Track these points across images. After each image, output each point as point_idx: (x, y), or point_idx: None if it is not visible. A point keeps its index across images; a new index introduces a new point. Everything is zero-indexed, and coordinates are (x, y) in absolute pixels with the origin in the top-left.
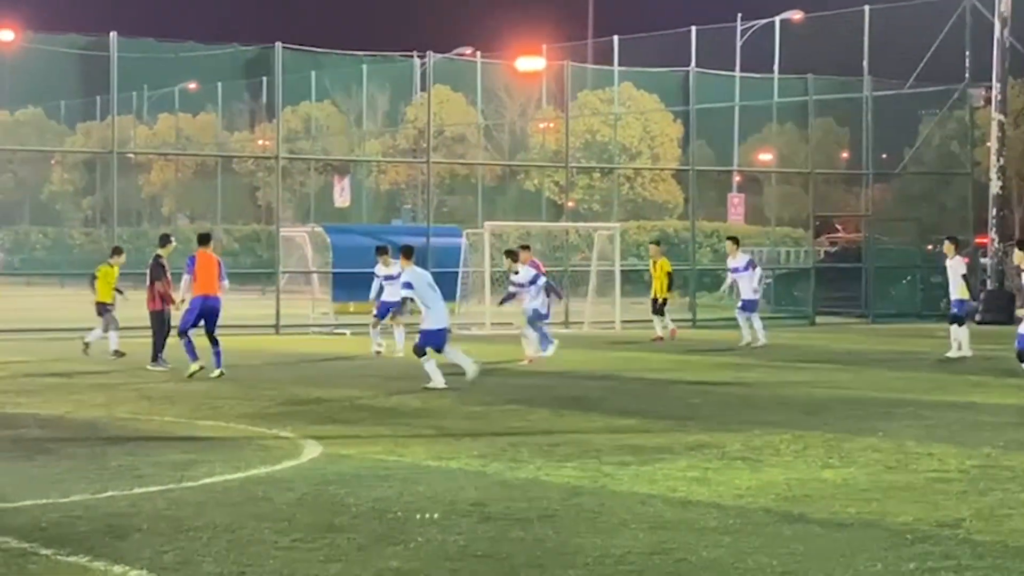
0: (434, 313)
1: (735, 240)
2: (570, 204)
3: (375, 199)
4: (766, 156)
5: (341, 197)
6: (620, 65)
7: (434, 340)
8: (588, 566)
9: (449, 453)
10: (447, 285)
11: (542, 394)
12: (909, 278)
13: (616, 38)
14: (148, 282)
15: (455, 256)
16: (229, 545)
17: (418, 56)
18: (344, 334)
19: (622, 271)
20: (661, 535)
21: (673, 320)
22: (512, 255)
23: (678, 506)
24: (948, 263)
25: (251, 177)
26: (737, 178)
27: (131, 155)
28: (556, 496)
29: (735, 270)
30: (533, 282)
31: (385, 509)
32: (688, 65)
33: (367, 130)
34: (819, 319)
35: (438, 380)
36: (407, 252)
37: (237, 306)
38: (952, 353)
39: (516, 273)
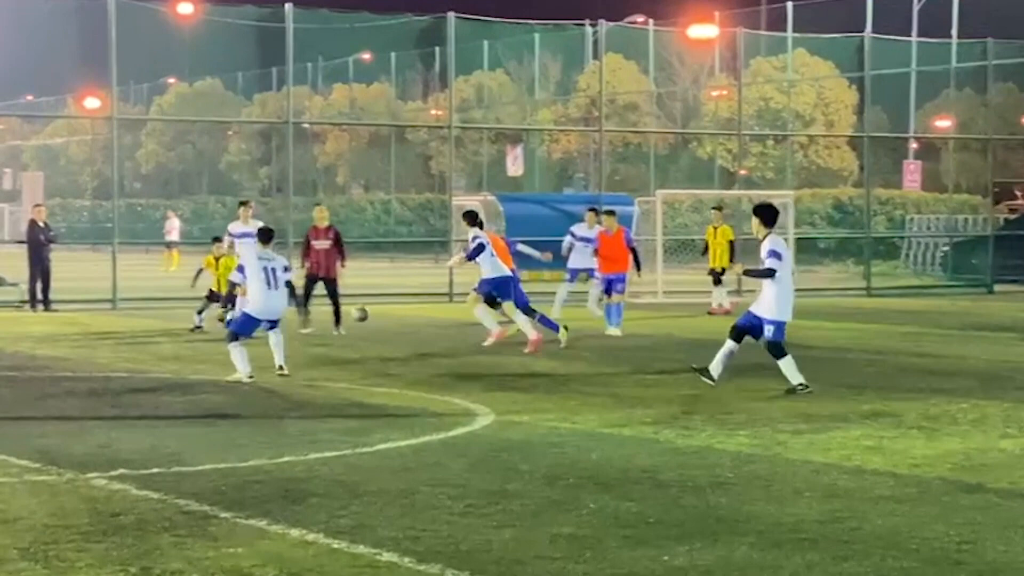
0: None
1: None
2: (743, 172)
3: (547, 168)
4: (943, 122)
5: (514, 166)
6: (794, 31)
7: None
8: (761, 534)
9: (621, 420)
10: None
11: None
12: None
13: (790, 4)
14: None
15: (627, 224)
16: (403, 510)
17: (590, 24)
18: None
19: (796, 239)
20: (835, 503)
21: (848, 288)
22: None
23: (852, 474)
24: None
25: (424, 147)
26: (913, 145)
27: (306, 125)
28: (729, 463)
29: None
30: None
31: (558, 476)
32: (863, 30)
33: (539, 99)
34: (997, 287)
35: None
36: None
37: (410, 275)
38: None
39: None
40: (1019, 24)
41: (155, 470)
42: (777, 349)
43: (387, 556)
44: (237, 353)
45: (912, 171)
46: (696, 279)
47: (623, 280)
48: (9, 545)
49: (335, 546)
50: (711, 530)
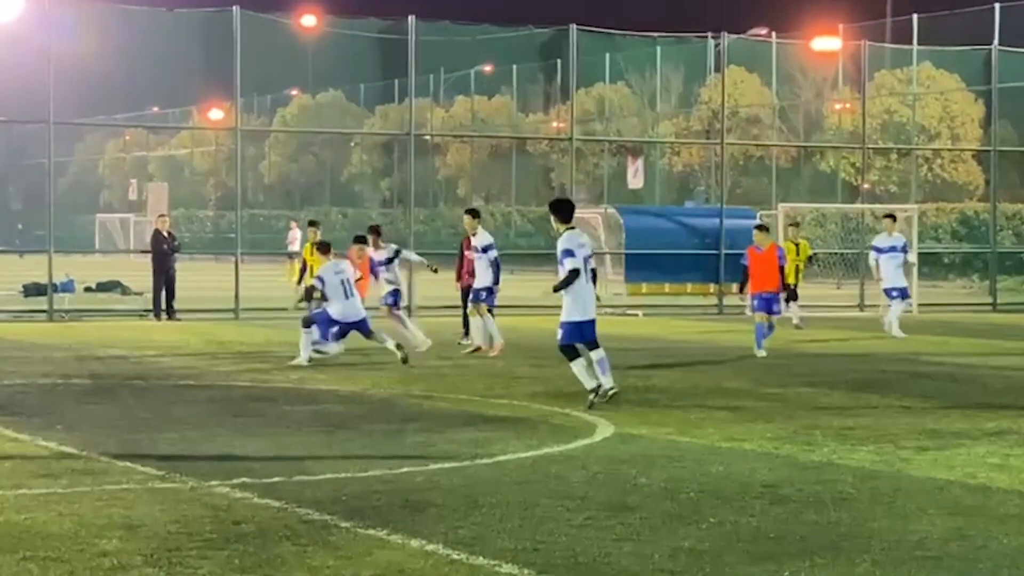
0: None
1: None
2: (866, 186)
3: (668, 180)
4: None
5: (634, 178)
6: (919, 44)
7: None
8: (885, 551)
9: (742, 435)
10: (739, 267)
11: (837, 377)
12: None
13: (915, 16)
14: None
15: (748, 238)
16: (522, 522)
17: (712, 37)
18: (637, 315)
19: (920, 254)
20: (959, 521)
21: (974, 304)
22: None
23: (977, 492)
24: None
25: (545, 159)
26: None
27: (428, 137)
28: (851, 479)
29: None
30: (485, 251)
31: (677, 489)
32: (990, 43)
33: (660, 111)
34: None
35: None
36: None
37: (532, 287)
38: None
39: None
40: None
41: (276, 479)
42: (565, 352)
43: (507, 568)
44: (306, 339)
45: None
46: (817, 293)
47: (778, 300)
48: (133, 551)
49: (455, 557)
50: (833, 546)
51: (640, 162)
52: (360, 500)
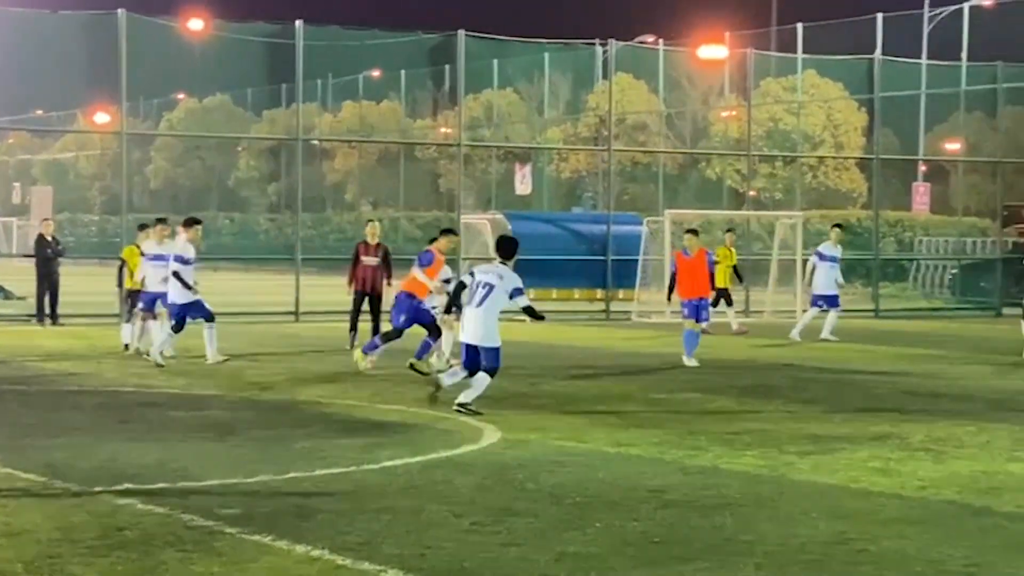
0: None
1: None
2: (752, 193)
3: (556, 187)
4: (953, 145)
5: (522, 185)
6: (804, 52)
7: None
8: (768, 554)
9: (629, 440)
10: (627, 273)
11: (723, 383)
12: None
13: (800, 25)
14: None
15: (635, 244)
16: (409, 527)
17: (600, 44)
18: (524, 321)
19: (804, 260)
20: (842, 525)
21: (857, 310)
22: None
23: (859, 496)
24: None
25: (433, 164)
26: (923, 167)
27: (315, 142)
28: (735, 484)
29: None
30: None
31: (564, 494)
32: (873, 52)
33: (548, 118)
34: (1006, 310)
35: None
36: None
37: None
38: None
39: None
40: None
41: (161, 485)
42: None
43: (392, 573)
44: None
45: (921, 193)
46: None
47: (707, 306)
48: (14, 559)
49: (340, 563)
50: (717, 550)
51: (528, 168)
52: (246, 506)
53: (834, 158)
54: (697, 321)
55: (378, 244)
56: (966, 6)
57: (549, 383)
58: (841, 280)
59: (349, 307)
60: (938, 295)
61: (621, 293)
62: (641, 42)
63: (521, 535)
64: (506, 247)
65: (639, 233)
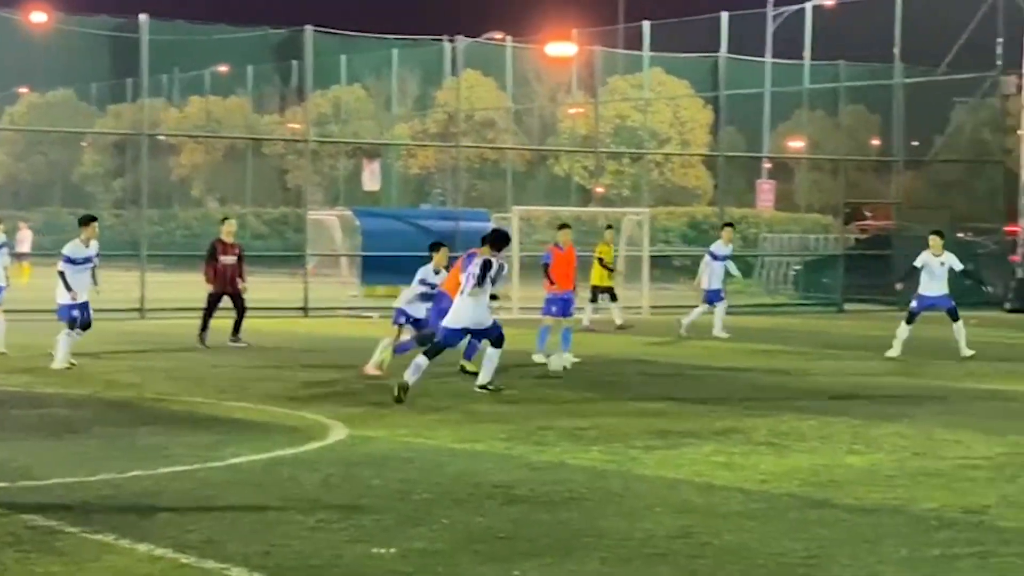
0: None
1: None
2: (599, 189)
3: (405, 183)
4: (796, 143)
5: (371, 181)
6: (650, 51)
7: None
8: (613, 548)
9: (475, 436)
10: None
11: (570, 379)
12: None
13: (646, 23)
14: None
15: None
16: (254, 525)
17: (448, 40)
18: (371, 317)
19: (650, 257)
20: (686, 519)
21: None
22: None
23: (703, 490)
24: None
25: (281, 160)
26: (767, 164)
27: (161, 137)
28: (582, 479)
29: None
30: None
31: (410, 491)
32: (718, 51)
33: (397, 114)
34: (848, 306)
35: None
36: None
37: (266, 289)
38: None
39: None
40: (870, 47)
41: (1, 484)
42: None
43: (236, 571)
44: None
45: (765, 190)
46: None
47: (572, 301)
48: None
49: (184, 561)
50: (562, 545)
51: (376, 164)
52: (87, 505)
53: (680, 155)
54: (564, 316)
55: (234, 243)
56: (808, 6)
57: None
58: (736, 272)
59: (196, 304)
60: (782, 291)
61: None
62: (489, 39)
63: (367, 532)
64: (498, 240)
65: (487, 230)
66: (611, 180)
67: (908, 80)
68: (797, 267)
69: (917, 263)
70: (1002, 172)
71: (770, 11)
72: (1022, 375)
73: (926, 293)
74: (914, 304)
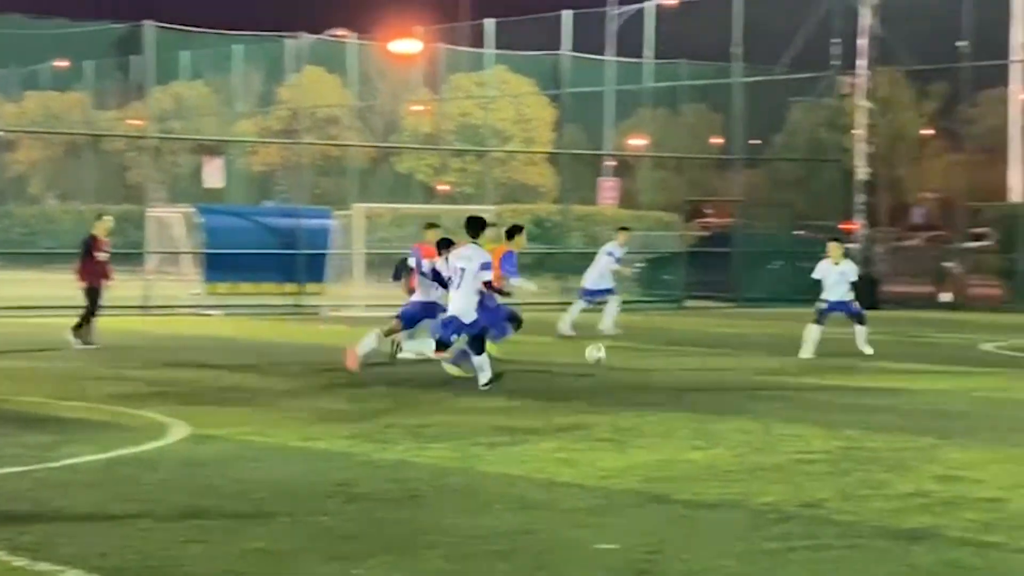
0: None
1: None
2: (443, 187)
3: (248, 180)
4: (639, 141)
5: (212, 178)
6: (494, 48)
7: None
8: (454, 546)
9: (317, 434)
10: (317, 267)
11: (415, 376)
12: (780, 263)
13: (490, 21)
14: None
15: (326, 238)
16: (91, 526)
17: (291, 37)
18: (211, 315)
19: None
20: (527, 515)
21: (547, 304)
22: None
23: (545, 487)
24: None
25: (121, 157)
26: (610, 162)
27: None
28: (424, 477)
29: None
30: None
31: (251, 490)
32: (560, 48)
33: (240, 111)
34: (689, 303)
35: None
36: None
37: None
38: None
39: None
40: (710, 46)
41: None
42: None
43: (72, 574)
44: None
45: (608, 188)
46: (375, 292)
47: None
48: None
49: (16, 564)
50: (404, 543)
51: (219, 161)
52: None
53: (524, 152)
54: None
55: (106, 239)
56: (649, 5)
57: (238, 378)
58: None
59: (33, 302)
60: (624, 288)
61: (311, 287)
62: (332, 36)
63: (207, 532)
64: (472, 226)
65: (330, 227)
66: (455, 178)
67: (747, 79)
68: (640, 264)
69: (816, 275)
70: (839, 170)
71: (612, 10)
72: (860, 371)
73: (831, 298)
74: (823, 304)
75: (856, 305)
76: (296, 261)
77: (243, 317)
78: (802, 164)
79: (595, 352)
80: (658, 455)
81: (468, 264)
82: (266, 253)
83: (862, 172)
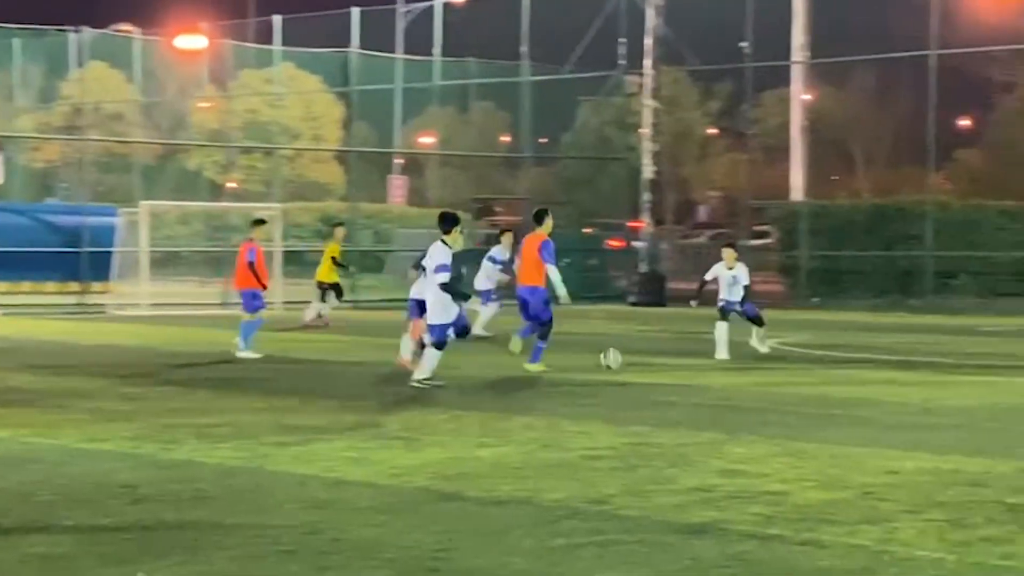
0: None
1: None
2: (231, 184)
3: (30, 177)
4: (428, 139)
5: None
6: (282, 45)
7: None
8: (242, 546)
9: (102, 435)
10: (102, 265)
11: (200, 375)
12: (568, 260)
13: (277, 17)
14: None
15: (111, 236)
16: None
17: (73, 31)
18: None
19: (283, 252)
20: (316, 514)
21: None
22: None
23: (333, 486)
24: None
25: None
26: (400, 160)
27: None
28: (211, 477)
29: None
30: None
31: (32, 492)
32: (349, 46)
33: (20, 106)
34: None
35: None
36: None
37: None
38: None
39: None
40: (499, 45)
41: None
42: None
43: None
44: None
45: (397, 186)
46: (180, 290)
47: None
48: None
49: None
50: (191, 544)
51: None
52: None
53: (312, 150)
54: (256, 311)
55: None
56: (437, 3)
57: (18, 379)
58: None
59: None
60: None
61: (96, 285)
62: (117, 30)
63: None
64: (441, 221)
65: (115, 225)
66: (243, 175)
67: (536, 78)
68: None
69: (708, 276)
70: (626, 169)
71: (400, 7)
72: (648, 368)
73: (728, 298)
74: (722, 303)
75: (752, 307)
76: (80, 259)
77: (24, 317)
78: (590, 162)
79: (609, 359)
80: (448, 453)
81: (428, 263)
82: (48, 251)
83: (648, 170)
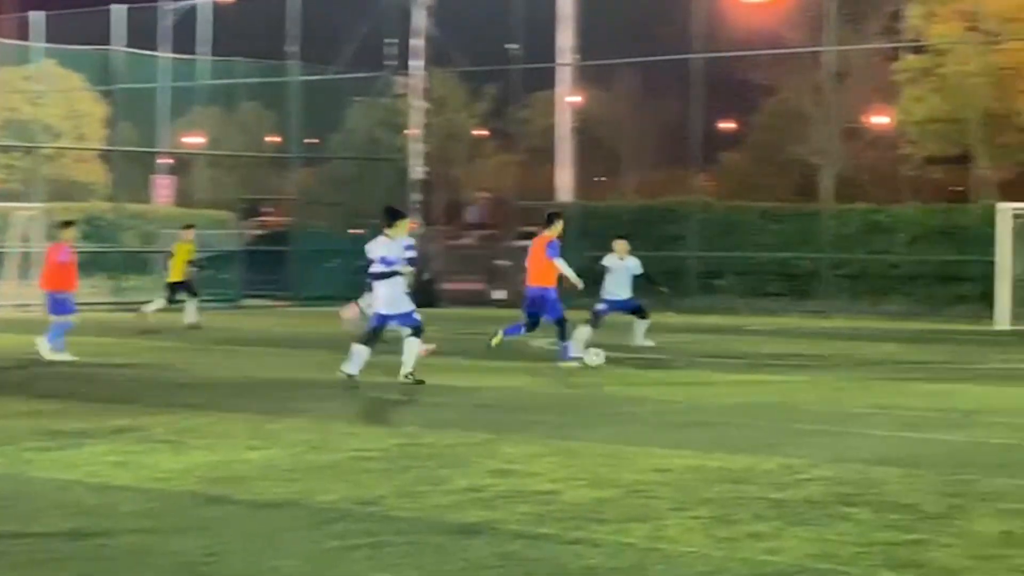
0: None
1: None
2: None
3: None
4: (194, 138)
5: None
6: (43, 42)
7: None
8: (2, 555)
9: None
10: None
11: None
12: (337, 261)
13: (38, 13)
14: None
15: None
16: None
17: None
18: None
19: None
20: (81, 520)
21: (95, 304)
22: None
23: (98, 491)
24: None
25: None
26: (166, 160)
27: None
28: None
29: None
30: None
31: None
32: (111, 43)
33: None
34: (246, 302)
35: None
36: None
37: None
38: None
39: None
40: (267, 45)
41: None
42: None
43: None
44: None
45: (163, 186)
46: None
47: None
48: None
49: None
50: None
51: None
52: None
53: (74, 149)
54: (67, 314)
55: None
56: (203, 1)
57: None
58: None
59: None
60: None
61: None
62: None
63: None
64: (385, 215)
65: None
66: (2, 175)
67: (304, 78)
68: (203, 263)
69: (604, 263)
70: (395, 169)
71: (165, 5)
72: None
73: (613, 297)
74: (602, 306)
75: (635, 301)
76: None
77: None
78: (358, 163)
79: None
80: (216, 455)
81: (372, 257)
82: None
83: (417, 171)
